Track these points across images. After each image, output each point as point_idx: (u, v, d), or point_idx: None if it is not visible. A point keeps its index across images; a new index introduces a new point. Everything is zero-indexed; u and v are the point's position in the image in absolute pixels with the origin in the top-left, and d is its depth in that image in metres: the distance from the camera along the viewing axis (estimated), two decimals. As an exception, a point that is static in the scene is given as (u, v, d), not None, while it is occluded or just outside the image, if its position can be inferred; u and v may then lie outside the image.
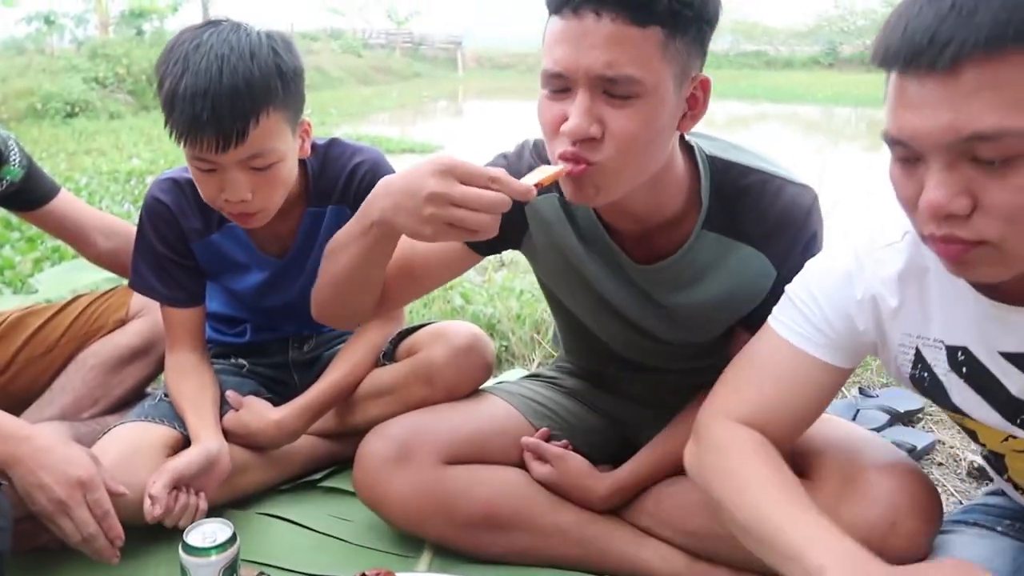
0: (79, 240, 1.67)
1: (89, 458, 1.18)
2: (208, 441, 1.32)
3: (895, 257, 0.93)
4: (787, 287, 1.02)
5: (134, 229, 1.57)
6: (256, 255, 1.48)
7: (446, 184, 0.90)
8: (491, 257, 3.67)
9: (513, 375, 2.02)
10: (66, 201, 1.64)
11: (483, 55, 28.01)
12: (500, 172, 0.90)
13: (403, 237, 1.07)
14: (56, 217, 1.62)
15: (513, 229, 1.19)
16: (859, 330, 0.96)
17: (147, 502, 1.21)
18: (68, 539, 1.16)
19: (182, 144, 1.28)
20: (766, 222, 1.11)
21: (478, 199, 0.90)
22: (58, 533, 1.16)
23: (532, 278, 3.03)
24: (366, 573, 1.09)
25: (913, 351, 0.95)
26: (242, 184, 1.28)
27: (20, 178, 1.54)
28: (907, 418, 1.91)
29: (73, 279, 2.91)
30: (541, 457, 1.30)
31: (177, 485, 1.24)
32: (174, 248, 1.45)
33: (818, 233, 1.13)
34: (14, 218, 3.78)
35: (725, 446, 0.98)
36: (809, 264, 1.01)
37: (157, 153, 6.22)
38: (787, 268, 1.07)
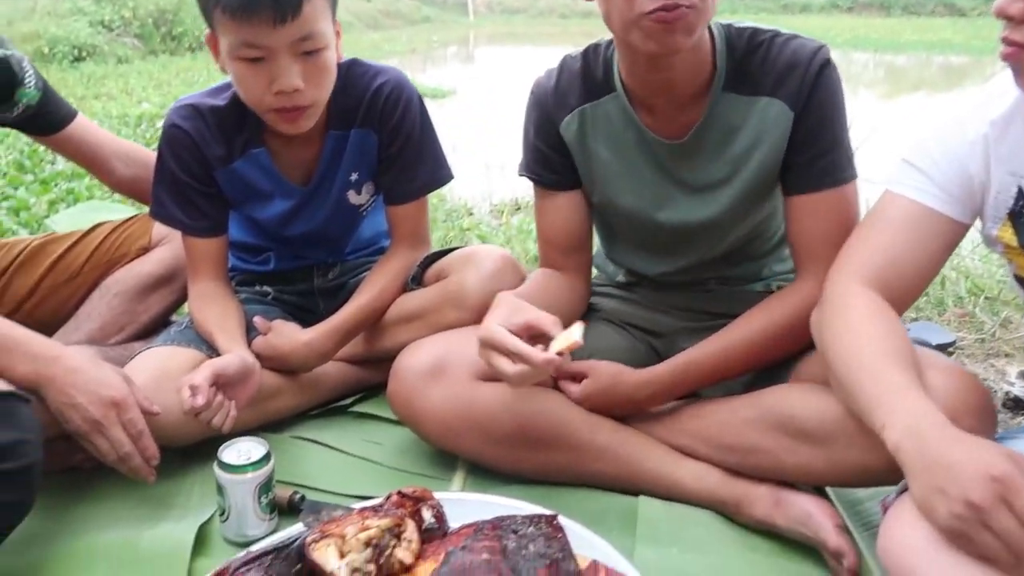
0: (97, 166, 1.64)
1: (121, 378, 1.17)
2: (244, 352, 1.31)
3: (1001, 101, 1.00)
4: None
5: (154, 155, 1.53)
6: (280, 182, 1.45)
7: (484, 354, 1.09)
8: (507, 200, 3.63)
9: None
10: (84, 126, 1.61)
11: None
12: (523, 350, 1.04)
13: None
14: (74, 142, 1.59)
15: (562, 164, 1.31)
16: (970, 174, 1.02)
17: (186, 392, 1.19)
18: (104, 458, 1.15)
19: (230, 27, 1.23)
20: (776, 67, 1.17)
21: (505, 374, 1.07)
22: (94, 452, 1.15)
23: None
24: (403, 491, 1.08)
25: (1015, 189, 1.00)
26: (293, 71, 1.25)
27: (37, 101, 1.51)
28: (939, 351, 1.88)
29: (88, 220, 2.90)
30: (573, 378, 1.29)
31: (215, 383, 1.23)
32: (196, 176, 1.42)
33: (829, 74, 1.16)
34: (28, 160, 3.77)
35: (845, 305, 1.03)
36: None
37: (167, 97, 6.15)
38: (803, 108, 1.15)
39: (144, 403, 1.17)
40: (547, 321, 1.08)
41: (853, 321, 1.01)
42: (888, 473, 0.99)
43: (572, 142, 1.28)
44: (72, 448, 1.32)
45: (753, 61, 1.18)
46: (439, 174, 1.51)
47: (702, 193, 1.25)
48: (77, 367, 1.13)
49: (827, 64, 1.16)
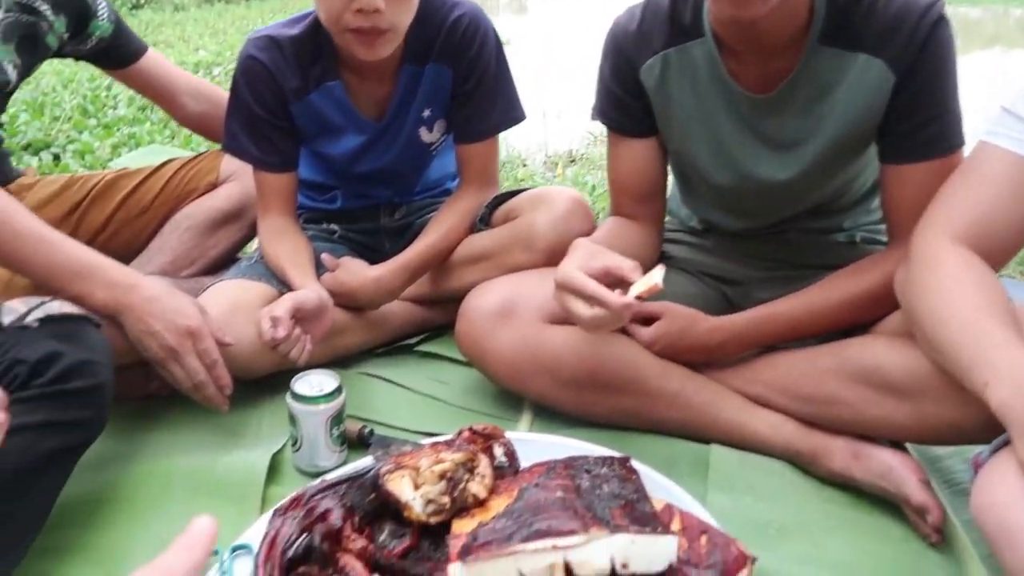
0: (167, 100, 1.65)
1: (196, 308, 1.18)
2: (319, 288, 1.31)
3: None
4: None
5: (223, 93, 1.53)
6: (353, 116, 1.43)
7: (560, 298, 1.06)
8: (561, 152, 3.57)
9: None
10: (155, 60, 1.61)
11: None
12: (601, 293, 1.00)
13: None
14: (145, 76, 1.60)
15: (639, 110, 1.25)
16: None
17: (267, 323, 1.20)
18: (179, 386, 1.17)
19: None
20: (881, 22, 1.07)
21: (581, 319, 1.04)
22: (169, 380, 1.17)
23: (603, 173, 2.95)
24: (474, 427, 1.08)
25: None
26: None
27: (110, 34, 1.51)
28: None
29: (150, 163, 2.96)
30: (645, 322, 1.26)
31: (294, 317, 1.23)
32: (270, 109, 1.41)
33: (941, 33, 1.06)
34: (91, 105, 3.83)
35: (935, 262, 0.97)
36: None
37: (223, 45, 6.17)
38: (907, 70, 1.06)
39: (217, 333, 1.18)
40: (627, 266, 1.04)
41: (944, 277, 0.96)
42: (980, 431, 0.96)
43: (652, 88, 1.22)
44: (148, 376, 1.35)
45: (856, 12, 1.08)
46: (512, 114, 1.48)
47: (786, 151, 1.18)
48: (154, 295, 1.15)
49: (939, 22, 1.05)
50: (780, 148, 1.19)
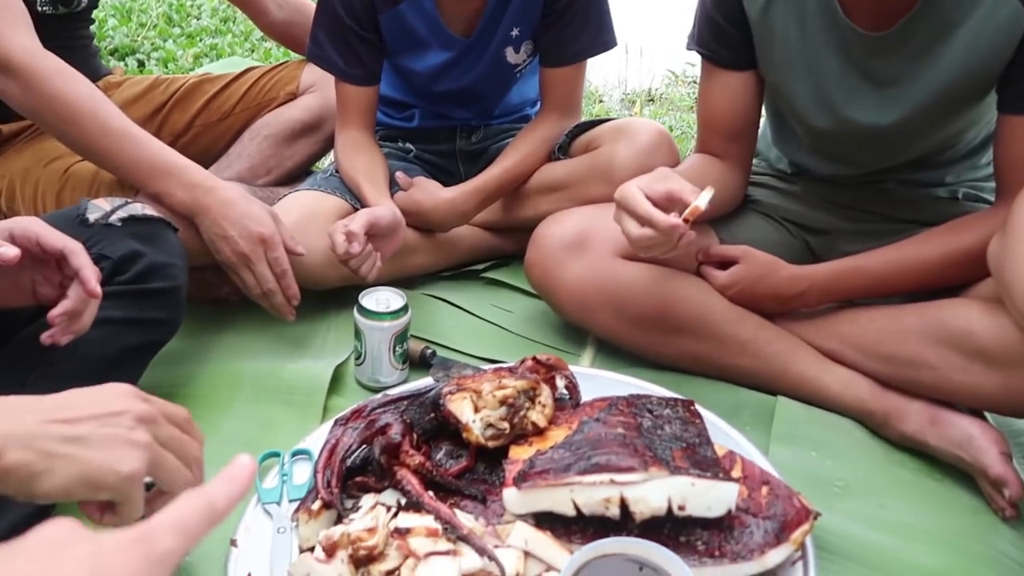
0: (252, 6, 1.63)
1: (270, 216, 1.18)
2: (393, 205, 1.31)
3: None
4: None
5: (309, 2, 1.51)
6: (441, 31, 1.39)
7: (617, 215, 1.06)
8: (638, 90, 3.44)
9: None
10: None
11: None
12: (649, 211, 0.99)
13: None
14: None
15: (740, 41, 1.18)
16: None
17: (339, 237, 1.19)
18: (249, 292, 1.19)
19: None
20: None
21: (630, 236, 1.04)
22: (240, 285, 1.19)
23: (680, 114, 2.84)
24: (538, 357, 1.07)
25: None
26: None
27: None
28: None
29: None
30: (721, 266, 1.22)
31: (367, 232, 1.23)
32: (359, 19, 1.38)
33: None
34: (176, 14, 3.86)
35: None
36: None
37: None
38: None
39: (289, 243, 1.19)
40: (689, 192, 1.00)
41: None
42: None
43: (755, 18, 1.15)
44: (220, 280, 1.37)
45: None
46: (602, 39, 1.42)
47: (893, 95, 1.10)
48: (230, 200, 1.15)
49: None
50: (887, 91, 1.11)
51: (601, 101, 3.23)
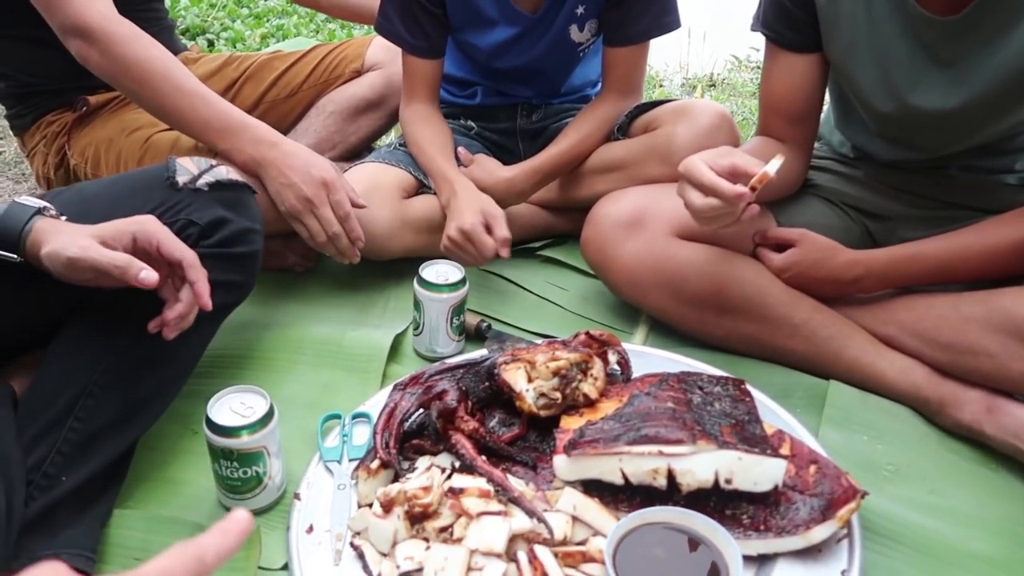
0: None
1: (332, 164, 1.23)
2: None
3: None
4: None
5: None
6: (507, 7, 1.41)
7: (680, 188, 1.05)
8: (700, 75, 3.37)
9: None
10: None
11: None
12: (713, 180, 0.99)
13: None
14: None
15: (805, 22, 1.17)
16: None
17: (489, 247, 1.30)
18: (314, 239, 1.22)
19: None
20: None
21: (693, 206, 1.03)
22: (304, 234, 1.23)
23: (742, 100, 2.80)
24: (591, 332, 1.09)
25: None
26: None
27: None
28: None
29: (296, 55, 3.08)
30: (778, 249, 1.22)
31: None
32: None
33: None
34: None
35: None
36: None
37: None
38: None
39: (351, 194, 1.23)
40: (755, 166, 0.99)
41: None
42: None
43: (822, 0, 1.14)
44: (286, 250, 1.43)
45: None
46: (666, 19, 1.42)
47: (961, 78, 1.08)
48: (294, 151, 1.21)
49: None
50: (953, 76, 1.08)
51: (662, 86, 3.20)
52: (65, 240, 0.84)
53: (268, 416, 0.92)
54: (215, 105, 1.20)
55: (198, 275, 0.88)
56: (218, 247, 1.02)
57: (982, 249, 1.10)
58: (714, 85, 3.18)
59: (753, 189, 0.98)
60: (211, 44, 3.10)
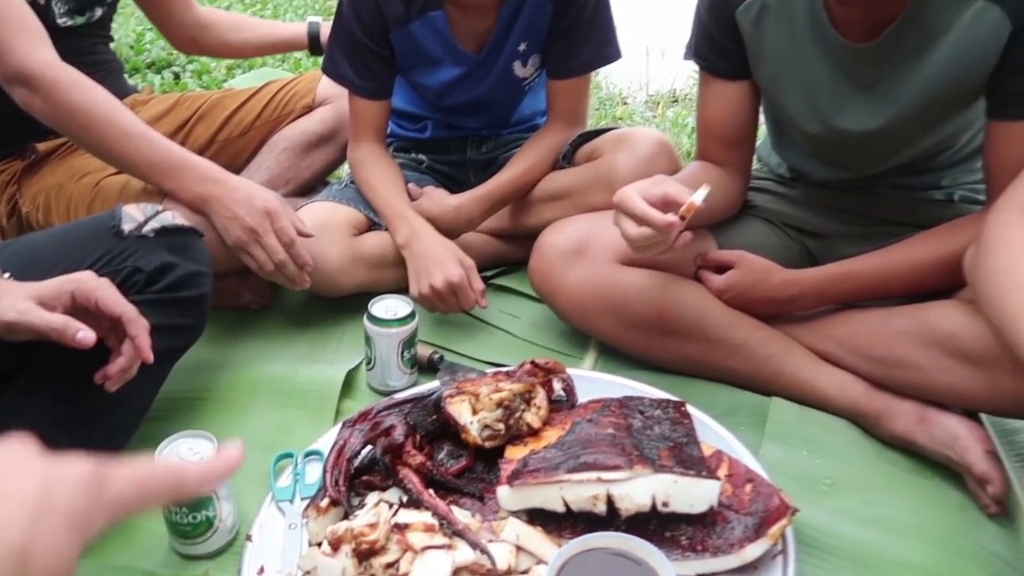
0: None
1: (276, 196, 1.25)
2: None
3: None
4: None
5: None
6: (452, 48, 1.45)
7: (615, 217, 1.09)
8: (663, 92, 3.43)
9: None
10: None
11: None
12: (645, 211, 1.02)
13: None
14: None
15: (734, 52, 1.21)
16: None
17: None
18: (262, 269, 1.24)
19: None
20: None
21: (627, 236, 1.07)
22: (253, 266, 1.24)
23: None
24: (536, 361, 1.12)
25: None
26: None
27: None
28: None
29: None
30: (718, 270, 1.26)
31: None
32: (372, 36, 1.43)
33: None
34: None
35: (1003, 243, 0.94)
36: None
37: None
38: None
39: (297, 223, 1.25)
40: (685, 195, 1.03)
41: (1007, 257, 0.92)
42: (1055, 408, 0.93)
43: (747, 30, 1.18)
44: (241, 289, 1.45)
45: None
46: (606, 51, 1.46)
47: (882, 100, 1.12)
48: (237, 186, 1.23)
49: None
50: (875, 98, 1.13)
51: (625, 103, 3.26)
52: (4, 303, 0.85)
53: (215, 461, 0.94)
54: (160, 146, 1.22)
55: (138, 329, 0.90)
56: (165, 292, 1.04)
57: (910, 265, 1.14)
58: (676, 100, 3.24)
59: (682, 218, 1.01)
60: (177, 77, 3.11)
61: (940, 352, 1.07)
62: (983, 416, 1.15)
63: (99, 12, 1.46)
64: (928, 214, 1.23)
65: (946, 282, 1.11)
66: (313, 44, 1.75)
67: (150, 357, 0.91)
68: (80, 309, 0.88)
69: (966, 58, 1.04)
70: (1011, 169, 1.03)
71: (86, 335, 0.85)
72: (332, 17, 1.48)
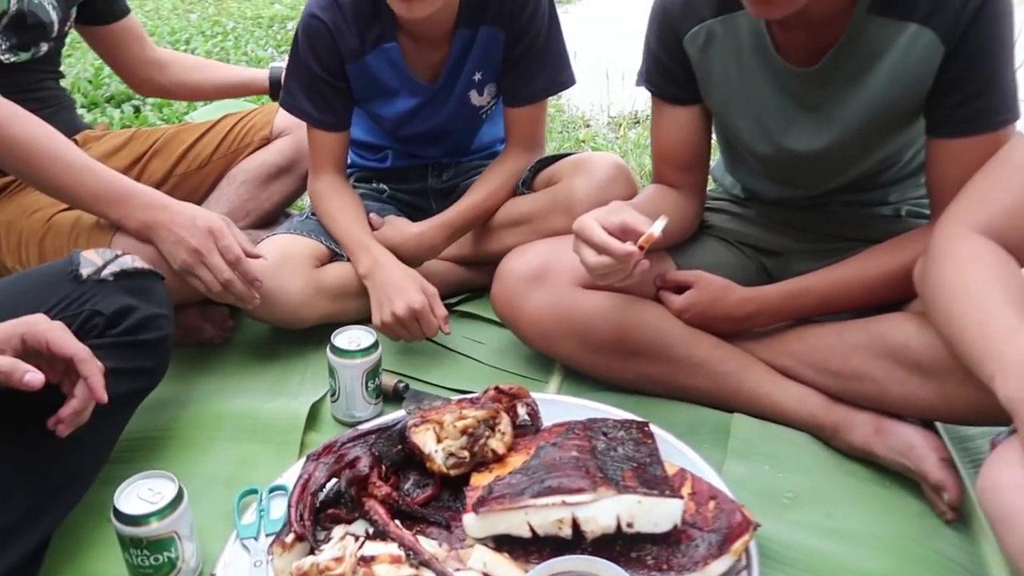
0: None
1: (219, 216, 1.24)
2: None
3: None
4: None
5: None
6: (407, 79, 1.46)
7: (575, 245, 1.12)
8: (625, 112, 3.49)
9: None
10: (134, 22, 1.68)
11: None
12: (604, 240, 1.05)
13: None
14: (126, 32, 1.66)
15: (683, 78, 1.24)
16: None
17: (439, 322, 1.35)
18: (210, 291, 1.22)
19: None
20: None
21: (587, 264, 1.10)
22: (201, 288, 1.23)
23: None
24: (500, 386, 1.12)
25: None
26: None
27: None
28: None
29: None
30: (677, 290, 1.28)
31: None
32: (329, 69, 1.44)
33: (997, 3, 1.02)
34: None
35: (949, 255, 0.96)
36: None
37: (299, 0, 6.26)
38: (958, 42, 1.03)
39: (245, 244, 1.24)
40: (643, 223, 1.06)
41: (952, 270, 0.94)
42: (1002, 413, 0.95)
43: (695, 57, 1.21)
44: (203, 324, 1.44)
45: None
46: (560, 78, 1.49)
47: (826, 121, 1.16)
48: (181, 210, 1.22)
49: None
50: (820, 120, 1.17)
51: (588, 125, 3.30)
52: None
53: (177, 500, 0.93)
54: (103, 177, 1.22)
55: (91, 369, 0.89)
56: (126, 335, 1.03)
57: (862, 280, 1.17)
58: (638, 122, 3.29)
59: (641, 248, 1.03)
60: (137, 110, 3.09)
61: (893, 363, 1.09)
62: (938, 425, 1.18)
63: (44, 48, 1.45)
64: (878, 229, 1.26)
65: (897, 295, 1.15)
66: (275, 88, 1.76)
67: (104, 397, 0.89)
68: (32, 353, 0.87)
69: (903, 80, 1.08)
70: (952, 184, 1.06)
71: (34, 376, 0.83)
72: (285, 54, 1.50)
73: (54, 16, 1.43)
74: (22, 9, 1.36)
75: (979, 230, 0.95)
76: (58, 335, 0.88)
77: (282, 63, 1.82)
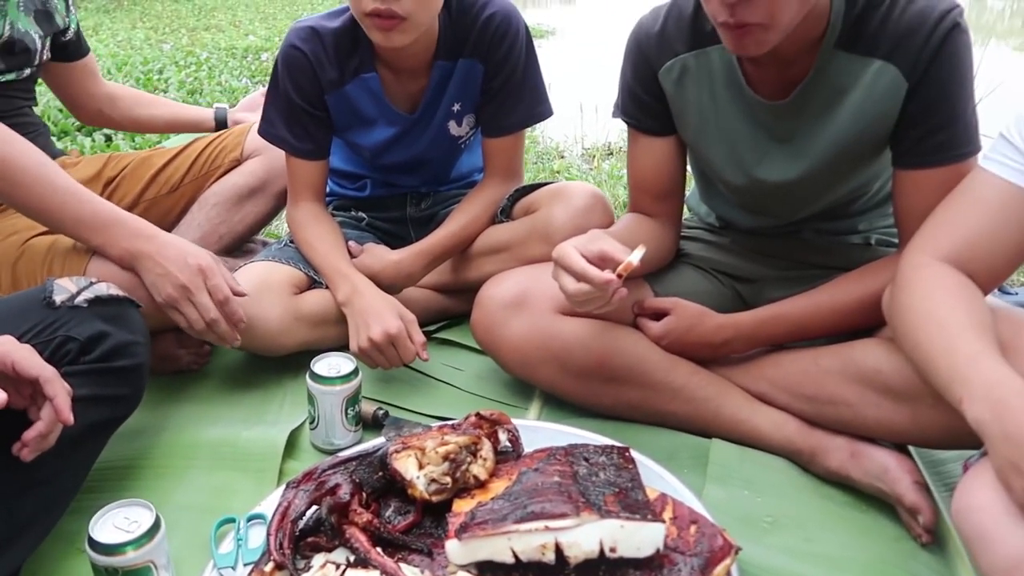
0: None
1: (209, 253, 1.24)
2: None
3: None
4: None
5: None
6: (386, 109, 1.48)
7: (554, 273, 1.13)
8: (599, 143, 3.55)
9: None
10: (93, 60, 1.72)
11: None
12: (584, 268, 1.06)
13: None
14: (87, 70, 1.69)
15: (658, 110, 1.27)
16: None
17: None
18: (193, 327, 1.21)
19: None
20: (896, 29, 1.07)
21: (567, 292, 1.10)
22: (182, 323, 1.21)
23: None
24: (481, 413, 1.13)
25: None
26: None
27: (77, 24, 1.61)
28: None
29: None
30: (655, 317, 1.29)
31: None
32: (308, 99, 1.45)
33: (956, 41, 1.06)
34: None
35: (916, 283, 0.99)
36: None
37: (272, 31, 6.29)
38: (920, 77, 1.07)
39: (231, 282, 1.23)
40: (621, 252, 1.07)
41: (918, 298, 0.97)
42: (973, 436, 0.97)
43: (670, 90, 1.24)
44: (180, 351, 1.42)
45: (873, 18, 1.08)
46: (537, 110, 1.51)
47: (797, 152, 1.20)
48: (169, 242, 1.21)
49: (955, 29, 1.05)
50: (792, 151, 1.20)
51: (562, 157, 3.35)
52: None
53: (154, 529, 0.91)
54: (87, 202, 1.21)
55: (56, 390, 0.87)
56: (99, 362, 1.01)
57: (834, 307, 1.20)
58: (612, 153, 3.34)
59: (620, 276, 1.05)
60: (109, 139, 3.07)
61: (867, 388, 1.11)
62: (911, 448, 1.20)
63: (27, 72, 1.46)
64: (848, 257, 1.29)
65: (869, 321, 1.17)
66: (220, 127, 1.82)
67: (70, 418, 0.87)
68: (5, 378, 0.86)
69: (869, 113, 1.12)
70: (918, 213, 1.09)
71: None
72: (260, 85, 1.51)
73: (38, 44, 1.43)
74: (12, 36, 1.37)
75: (943, 259, 0.99)
76: (23, 356, 0.87)
77: (225, 105, 1.89)
